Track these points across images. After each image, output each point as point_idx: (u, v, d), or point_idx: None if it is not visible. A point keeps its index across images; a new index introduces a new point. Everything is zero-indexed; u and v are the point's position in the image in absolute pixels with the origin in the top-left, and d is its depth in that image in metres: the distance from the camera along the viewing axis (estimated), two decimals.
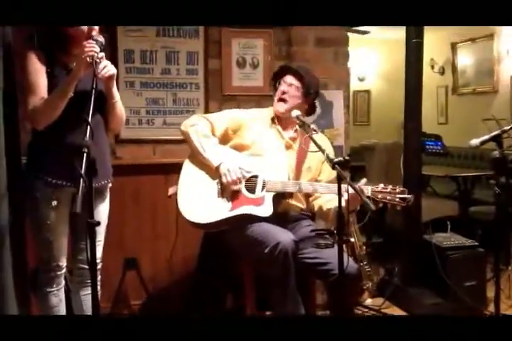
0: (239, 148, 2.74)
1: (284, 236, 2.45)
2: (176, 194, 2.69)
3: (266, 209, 2.57)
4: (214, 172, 2.66)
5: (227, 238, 2.69)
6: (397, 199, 2.42)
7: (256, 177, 2.65)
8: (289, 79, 2.74)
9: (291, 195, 2.71)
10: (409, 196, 2.43)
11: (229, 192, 2.63)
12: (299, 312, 2.51)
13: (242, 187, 2.62)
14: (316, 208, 2.75)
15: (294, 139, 2.80)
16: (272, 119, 2.79)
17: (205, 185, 2.68)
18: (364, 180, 2.51)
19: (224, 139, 2.75)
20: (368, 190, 2.45)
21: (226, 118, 2.79)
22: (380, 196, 2.43)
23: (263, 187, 2.62)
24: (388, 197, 2.42)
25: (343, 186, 2.18)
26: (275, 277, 2.46)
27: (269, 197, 2.60)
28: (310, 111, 2.88)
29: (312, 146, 2.55)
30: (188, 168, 2.75)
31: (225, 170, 2.58)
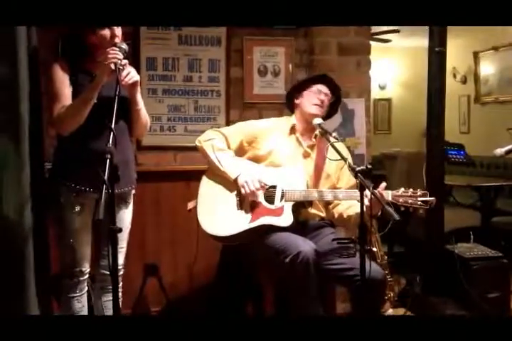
0: (255, 160, 2.74)
1: (305, 245, 2.43)
2: (195, 208, 2.70)
3: (286, 219, 2.56)
4: (232, 185, 2.66)
5: (247, 248, 2.68)
6: (419, 203, 2.40)
7: (274, 187, 2.64)
8: (325, 88, 2.75)
9: (310, 203, 2.70)
10: (431, 198, 2.41)
11: (248, 204, 2.64)
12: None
13: (261, 198, 2.61)
14: (336, 215, 2.74)
15: (312, 147, 2.79)
16: (292, 128, 2.78)
17: (224, 198, 2.69)
18: (383, 184, 2.48)
19: (240, 152, 2.77)
20: (388, 195, 2.44)
21: (240, 131, 2.80)
22: (401, 200, 2.42)
23: (282, 197, 2.61)
24: (410, 201, 2.41)
25: (365, 193, 2.18)
26: (296, 286, 2.44)
27: (288, 207, 2.60)
28: (327, 116, 2.87)
29: (331, 153, 2.59)
30: (207, 183, 2.76)
31: (243, 182, 2.59)
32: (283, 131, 2.79)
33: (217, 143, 2.71)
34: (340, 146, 2.68)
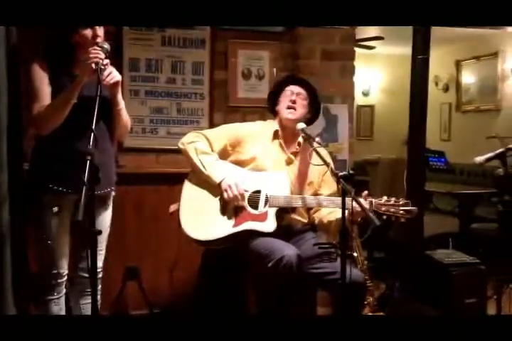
0: (238, 164, 2.71)
1: (288, 250, 2.43)
2: (177, 211, 2.66)
3: (270, 225, 2.55)
4: (215, 189, 2.63)
5: (230, 250, 2.66)
6: (401, 212, 2.40)
7: (259, 192, 2.62)
8: (297, 88, 2.72)
9: (293, 209, 2.69)
10: (413, 208, 2.41)
11: (232, 208, 2.61)
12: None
13: (245, 202, 2.60)
14: (317, 221, 2.74)
15: (295, 154, 2.76)
16: (275, 133, 2.75)
17: (207, 202, 2.66)
18: (365, 192, 2.50)
19: (223, 155, 2.73)
20: (371, 204, 2.43)
21: (224, 134, 2.76)
22: (383, 209, 2.41)
23: (266, 203, 2.59)
24: (392, 210, 2.41)
25: (347, 200, 2.19)
26: (276, 289, 2.43)
27: (272, 213, 2.58)
28: (311, 121, 2.82)
29: (314, 159, 2.56)
30: (189, 187, 2.72)
31: (227, 187, 2.57)
32: (267, 136, 2.76)
33: (200, 145, 2.67)
34: (323, 152, 2.68)
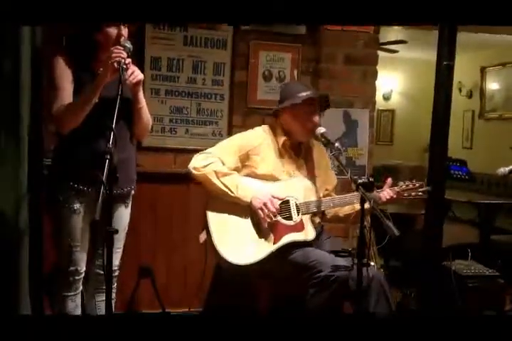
0: (254, 176, 2.65)
1: (336, 262, 2.45)
2: (208, 238, 2.57)
3: (310, 233, 2.55)
4: (242, 209, 2.57)
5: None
6: (420, 193, 2.69)
7: (287, 202, 2.60)
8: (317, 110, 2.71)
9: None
10: (428, 188, 2.72)
11: (266, 226, 2.54)
12: None
13: (278, 216, 2.54)
14: (329, 216, 2.78)
15: (302, 157, 2.77)
16: (283, 144, 2.69)
17: (239, 226, 2.57)
18: (389, 180, 2.68)
19: (235, 170, 2.63)
20: (394, 192, 2.65)
21: (232, 149, 2.66)
22: (406, 194, 2.67)
23: (298, 212, 2.59)
24: (413, 193, 2.68)
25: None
26: (323, 299, 2.43)
27: (307, 220, 2.58)
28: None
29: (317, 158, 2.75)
30: (214, 215, 2.59)
31: (261, 205, 2.49)
32: (273, 145, 2.71)
33: (217, 167, 2.55)
34: (320, 150, 2.81)
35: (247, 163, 2.66)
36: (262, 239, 2.54)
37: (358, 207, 2.33)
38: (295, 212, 2.58)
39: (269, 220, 2.51)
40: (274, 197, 2.54)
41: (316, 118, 2.65)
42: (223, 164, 2.59)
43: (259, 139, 2.71)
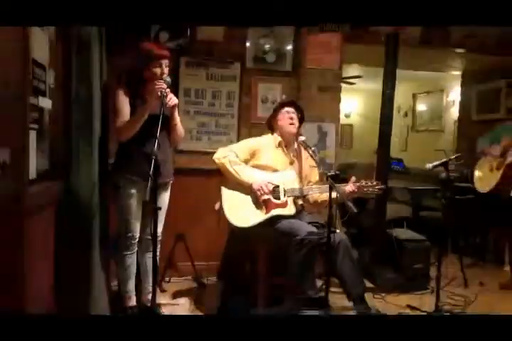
0: (258, 167, 2.68)
1: (309, 229, 2.46)
2: (221, 207, 2.61)
3: (290, 210, 2.57)
4: (247, 189, 2.59)
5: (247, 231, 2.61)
6: (376, 190, 2.60)
7: (278, 186, 2.61)
8: (291, 109, 2.74)
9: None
10: (383, 186, 2.63)
11: (261, 201, 2.58)
12: (316, 287, 2.50)
13: (270, 196, 2.57)
14: (311, 200, 2.76)
15: (294, 156, 2.78)
16: (279, 143, 2.74)
17: (243, 200, 2.60)
18: (353, 178, 2.59)
19: (245, 162, 2.69)
20: (356, 186, 2.56)
21: (246, 147, 2.71)
22: (365, 189, 2.57)
23: (285, 194, 2.60)
24: (370, 189, 2.58)
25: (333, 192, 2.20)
26: (300, 259, 2.43)
27: (290, 201, 2.59)
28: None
29: (307, 161, 2.71)
30: (226, 191, 2.64)
31: (259, 187, 2.54)
32: (273, 145, 2.74)
33: (232, 158, 2.61)
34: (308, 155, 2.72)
35: (254, 157, 2.69)
36: (258, 211, 2.57)
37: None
38: (283, 194, 2.59)
39: (263, 198, 2.54)
40: (269, 183, 2.56)
41: (294, 120, 2.69)
42: (237, 156, 2.63)
43: (264, 141, 2.76)
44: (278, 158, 2.72)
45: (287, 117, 2.71)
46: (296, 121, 2.72)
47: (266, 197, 2.55)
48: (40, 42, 1.97)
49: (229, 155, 2.62)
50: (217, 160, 2.62)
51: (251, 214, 2.56)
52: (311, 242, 2.39)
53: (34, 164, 1.84)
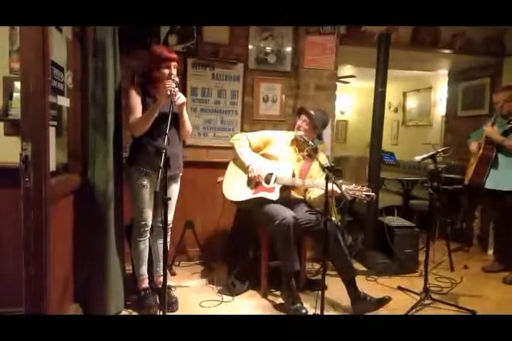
0: (266, 156, 2.76)
1: (287, 213, 2.45)
2: (222, 181, 2.77)
3: (275, 195, 2.59)
4: (245, 169, 2.69)
5: (251, 213, 2.71)
6: (364, 195, 2.36)
7: (272, 174, 2.65)
8: (304, 117, 2.74)
9: (293, 187, 2.71)
10: (372, 194, 2.37)
11: (253, 183, 2.66)
12: (296, 262, 2.50)
13: (262, 180, 2.63)
14: (307, 197, 2.77)
15: (303, 156, 2.79)
16: (292, 141, 2.80)
17: (240, 177, 2.72)
18: (341, 181, 2.49)
19: (257, 149, 2.80)
20: (344, 188, 2.40)
21: (259, 136, 2.82)
22: (351, 192, 2.36)
23: (275, 181, 2.62)
24: (357, 193, 2.36)
25: (329, 182, 2.18)
26: (281, 239, 2.46)
27: (277, 188, 2.61)
28: (317, 137, 2.88)
29: (315, 163, 2.71)
30: (232, 166, 2.82)
31: (252, 169, 2.62)
32: (286, 141, 2.79)
33: (242, 142, 2.76)
34: (323, 158, 2.76)
35: (267, 146, 2.78)
36: (248, 189, 2.66)
37: (322, 192, 2.27)
38: (274, 180, 2.62)
39: (256, 180, 2.63)
40: (262, 168, 2.63)
41: (303, 127, 2.73)
42: (249, 142, 2.76)
43: (281, 135, 2.84)
44: (287, 152, 2.75)
45: (299, 124, 2.75)
46: (304, 128, 2.71)
47: (257, 179, 2.63)
48: (59, 45, 1.97)
49: (240, 139, 2.76)
50: (231, 141, 2.81)
51: (242, 190, 2.67)
52: (286, 225, 2.40)
53: (54, 158, 1.85)
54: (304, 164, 2.78)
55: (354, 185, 2.41)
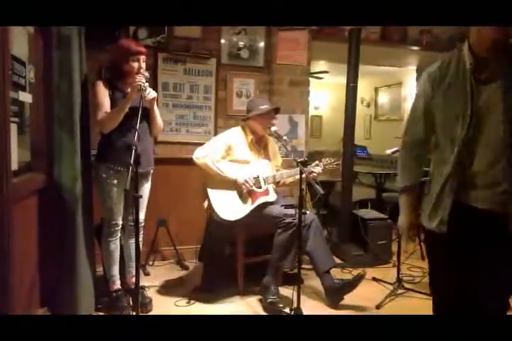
0: (234, 161, 2.61)
1: (288, 212, 2.48)
2: (209, 205, 2.51)
3: (273, 196, 2.60)
4: (231, 185, 2.51)
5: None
6: (335, 165, 2.72)
7: (258, 177, 2.60)
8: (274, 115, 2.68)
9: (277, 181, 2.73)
10: (339, 161, 2.76)
11: (246, 193, 2.54)
12: (292, 260, 2.51)
13: (253, 187, 2.54)
14: (281, 182, 2.77)
15: (263, 147, 2.76)
16: (251, 140, 2.68)
17: (228, 195, 2.53)
18: (316, 162, 2.69)
19: (222, 158, 2.59)
20: (321, 165, 2.67)
21: (220, 144, 2.60)
22: (327, 166, 2.68)
23: (265, 182, 2.60)
24: (331, 166, 2.70)
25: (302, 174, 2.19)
26: (287, 237, 2.46)
27: (271, 188, 2.61)
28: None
29: (271, 148, 2.77)
30: (211, 190, 2.52)
31: (244, 182, 2.49)
32: (241, 140, 2.67)
33: (213, 157, 2.51)
34: (273, 143, 2.82)
35: (229, 152, 2.62)
36: (245, 203, 2.54)
37: (297, 177, 2.30)
38: (263, 183, 2.59)
39: (249, 189, 2.52)
40: (250, 176, 2.55)
41: (273, 121, 2.64)
42: (215, 154, 2.54)
43: (235, 137, 2.68)
44: (250, 151, 2.69)
45: (272, 120, 2.63)
46: (274, 122, 2.65)
47: (250, 188, 2.53)
48: (20, 38, 1.86)
49: (208, 155, 2.51)
50: (197, 160, 2.51)
51: (239, 207, 2.52)
52: (296, 224, 2.38)
53: (16, 156, 1.75)
54: (265, 154, 2.77)
55: (327, 159, 2.70)
